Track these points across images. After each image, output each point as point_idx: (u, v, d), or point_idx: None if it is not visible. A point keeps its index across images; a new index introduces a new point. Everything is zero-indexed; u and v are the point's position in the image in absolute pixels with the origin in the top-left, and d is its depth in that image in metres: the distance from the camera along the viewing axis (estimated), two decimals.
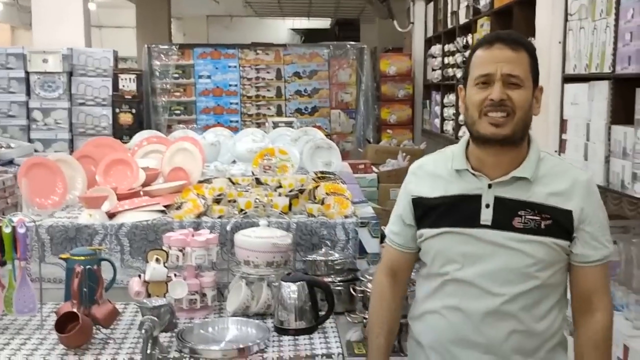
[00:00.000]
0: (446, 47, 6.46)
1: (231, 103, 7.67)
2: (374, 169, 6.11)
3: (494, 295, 1.76)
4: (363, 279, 2.44)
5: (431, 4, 7.31)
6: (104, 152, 3.40)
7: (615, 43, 2.97)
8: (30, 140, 7.08)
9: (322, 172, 3.64)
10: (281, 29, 16.50)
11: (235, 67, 7.64)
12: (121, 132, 7.28)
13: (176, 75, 7.65)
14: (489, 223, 1.78)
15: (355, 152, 7.34)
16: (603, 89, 3.07)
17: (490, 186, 1.79)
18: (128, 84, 7.31)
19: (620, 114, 2.98)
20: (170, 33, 11.70)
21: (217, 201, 2.90)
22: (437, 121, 6.89)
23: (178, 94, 7.67)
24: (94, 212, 2.78)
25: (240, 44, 7.83)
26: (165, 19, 11.40)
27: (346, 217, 2.86)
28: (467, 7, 5.53)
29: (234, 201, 2.94)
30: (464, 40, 5.70)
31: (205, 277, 2.56)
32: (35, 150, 6.88)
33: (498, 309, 1.76)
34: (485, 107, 1.74)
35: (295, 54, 7.61)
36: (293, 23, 16.33)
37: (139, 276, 2.46)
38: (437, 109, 6.90)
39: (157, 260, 2.41)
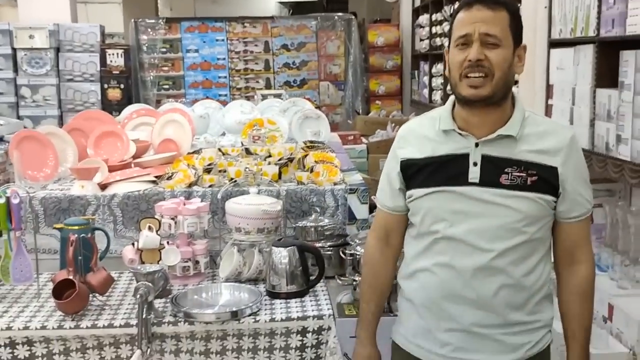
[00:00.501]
0: (434, 17, 6.46)
1: (219, 77, 7.66)
2: (364, 139, 6.15)
3: (483, 251, 1.81)
4: (352, 243, 2.49)
5: None
6: (93, 125, 3.41)
7: (599, 6, 2.99)
8: (19, 117, 7.06)
9: (311, 142, 3.68)
10: (269, 1, 16.36)
11: (223, 40, 7.62)
12: (110, 108, 7.26)
13: (164, 50, 7.62)
14: (477, 181, 1.82)
15: (345, 124, 7.36)
16: (588, 53, 3.10)
17: (477, 145, 1.83)
18: (116, 59, 7.28)
19: (604, 77, 3.01)
20: (157, 7, 11.61)
21: (208, 171, 2.93)
22: (426, 91, 6.91)
23: (166, 68, 7.65)
24: (86, 184, 2.81)
25: (227, 17, 7.78)
26: None
27: (335, 184, 2.90)
28: None
29: (224, 171, 2.97)
30: (451, 9, 5.70)
31: (197, 244, 2.60)
32: (25, 127, 6.86)
33: (488, 264, 1.80)
34: (465, 69, 1.77)
35: (283, 26, 7.59)
36: None
37: (133, 244, 2.50)
38: (426, 79, 6.92)
39: (150, 228, 2.45)
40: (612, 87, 2.93)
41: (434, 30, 6.46)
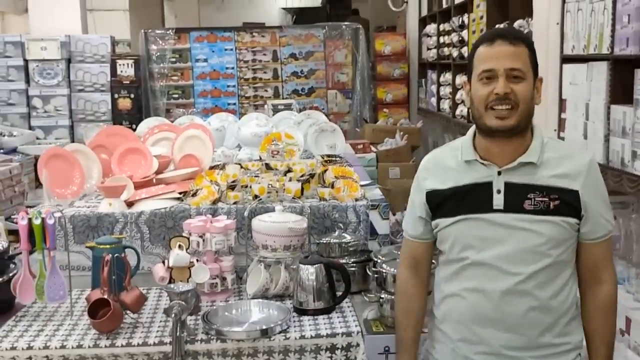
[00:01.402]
0: (441, 27, 6.52)
1: (228, 86, 7.72)
2: (372, 148, 6.21)
3: (510, 275, 1.88)
4: (376, 259, 2.55)
5: None
6: (116, 141, 3.48)
7: (613, 25, 3.05)
8: (30, 128, 7.14)
9: (328, 156, 3.74)
10: (272, 8, 16.45)
11: (231, 49, 7.68)
12: (120, 118, 7.36)
13: (173, 60, 7.68)
14: (502, 207, 1.90)
15: (353, 132, 7.42)
16: (601, 69, 3.17)
17: (499, 173, 1.92)
18: (126, 69, 7.36)
19: (618, 94, 3.08)
20: (164, 16, 11.68)
21: (232, 187, 2.99)
22: (434, 100, 6.98)
23: (176, 78, 7.71)
24: (114, 201, 2.87)
25: (236, 26, 7.84)
26: (158, 2, 11.37)
27: (356, 200, 2.96)
28: None
29: (246, 186, 3.04)
30: (460, 20, 5.77)
31: (224, 261, 2.67)
32: (37, 138, 6.94)
33: (515, 288, 1.88)
34: (491, 102, 1.86)
35: (291, 35, 7.65)
36: (285, 2, 16.28)
37: (163, 262, 2.56)
38: (434, 87, 6.98)
39: (180, 246, 2.51)
40: (626, 104, 3.00)
41: (441, 39, 6.53)
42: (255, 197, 2.93)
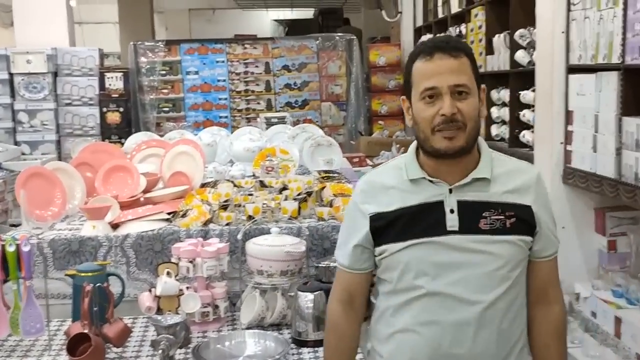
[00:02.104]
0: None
1: (220, 99, 7.56)
2: (369, 161, 6.05)
3: (470, 304, 1.70)
4: None
5: None
6: (101, 158, 3.30)
7: (624, 33, 2.90)
8: (16, 143, 6.94)
9: (325, 172, 3.57)
10: (264, 20, 16.32)
11: (223, 62, 7.52)
12: (109, 132, 7.18)
13: (163, 72, 7.52)
14: (456, 228, 1.73)
15: (347, 145, 7.26)
16: (612, 80, 3.01)
17: (450, 191, 1.75)
18: (115, 82, 7.19)
19: (630, 105, 2.92)
20: (154, 28, 11.53)
21: (224, 207, 2.81)
22: None
23: (166, 91, 7.54)
24: (97, 224, 2.69)
25: (227, 38, 7.69)
26: (148, 14, 11.22)
27: None
28: None
29: (239, 205, 2.86)
30: (457, 30, 5.63)
31: (216, 287, 2.48)
32: (23, 153, 6.74)
33: (476, 317, 1.70)
34: (437, 124, 1.69)
35: (284, 46, 7.50)
36: (276, 14, 16.17)
37: (150, 290, 2.37)
38: None
39: (168, 273, 2.33)
40: (639, 116, 2.84)
41: None
42: (250, 217, 2.75)
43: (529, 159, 4.00)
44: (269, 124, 5.57)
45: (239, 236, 2.55)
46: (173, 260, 2.46)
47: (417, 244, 1.74)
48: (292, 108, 7.51)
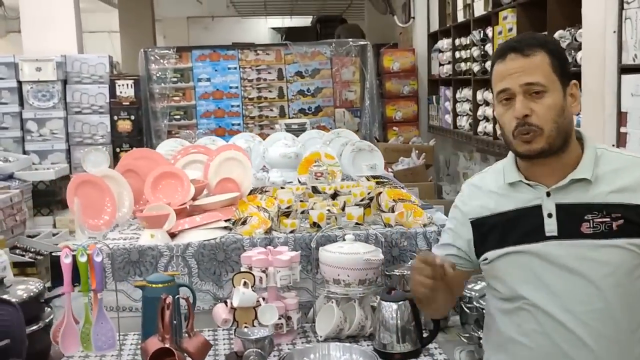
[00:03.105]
0: (457, 41, 6.30)
1: (232, 106, 7.42)
2: (389, 168, 5.95)
3: (575, 315, 1.60)
4: (467, 293, 2.26)
5: None
6: (145, 164, 3.18)
7: None
8: (25, 152, 6.76)
9: (374, 177, 3.46)
10: (262, 28, 16.24)
11: (235, 68, 7.39)
12: (120, 140, 7.02)
13: (174, 79, 7.37)
14: (555, 233, 1.63)
15: None
16: None
17: (548, 194, 1.65)
18: (125, 90, 7.03)
19: None
20: (155, 36, 11.39)
21: (286, 214, 2.70)
22: (448, 117, 6.74)
23: (177, 98, 7.39)
24: (156, 232, 2.56)
25: (239, 43, 7.57)
26: (149, 22, 11.09)
27: (424, 225, 2.68)
28: None
29: (301, 212, 2.75)
30: (481, 34, 5.54)
31: (288, 298, 2.36)
32: (33, 163, 6.58)
33: (589, 330, 1.59)
34: (514, 128, 1.63)
35: (297, 53, 7.39)
36: (275, 22, 16.09)
37: (225, 302, 2.25)
38: (448, 104, 6.74)
39: (245, 284, 2.20)
40: None
41: (457, 55, 6.30)
42: (314, 224, 2.63)
43: None
44: (289, 130, 5.46)
45: (313, 244, 2.43)
46: (243, 269, 2.34)
47: (515, 252, 1.66)
48: (306, 115, 7.38)
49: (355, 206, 2.72)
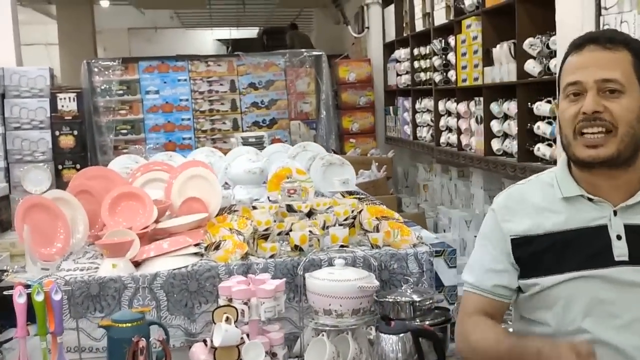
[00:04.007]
0: (415, 51, 6.17)
1: (183, 119, 7.12)
2: None
3: None
4: None
5: (389, 8, 7.02)
6: (100, 185, 2.88)
7: None
8: None
9: (349, 193, 3.25)
10: (207, 39, 15.91)
11: (185, 80, 7.09)
12: (62, 157, 6.63)
13: (120, 92, 7.04)
14: (626, 258, 1.44)
15: None
16: None
17: (615, 213, 1.47)
18: (67, 103, 6.64)
19: None
20: (96, 47, 10.96)
21: (264, 237, 2.45)
22: (407, 128, 6.60)
23: (123, 112, 7.05)
24: (118, 262, 2.27)
25: (189, 55, 7.28)
26: (90, 33, 10.66)
27: (414, 245, 2.47)
28: (447, 7, 5.25)
29: (277, 234, 2.51)
30: (442, 42, 5.42)
31: (272, 332, 2.11)
32: None
33: None
34: (579, 123, 1.43)
35: (250, 64, 7.14)
36: (221, 34, 15.79)
37: (204, 342, 1.98)
38: (407, 115, 6.60)
39: (228, 319, 1.94)
40: None
41: (416, 64, 6.17)
42: (296, 247, 2.39)
43: None
44: (246, 144, 5.23)
45: (300, 270, 2.18)
46: (221, 302, 2.08)
47: (579, 277, 1.45)
48: (260, 127, 7.15)
49: (339, 226, 2.50)
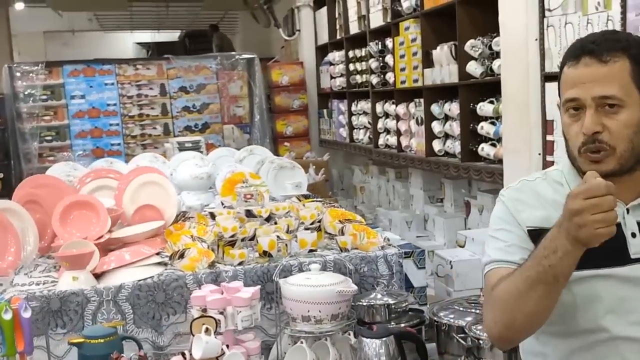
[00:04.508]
0: (350, 53, 6.18)
1: (111, 124, 6.88)
2: None
3: None
4: (455, 322, 2.05)
5: (321, 11, 7.02)
6: (46, 193, 2.73)
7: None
8: None
9: (304, 197, 3.21)
10: (126, 43, 15.49)
11: (112, 84, 6.86)
12: None
13: (44, 97, 6.73)
14: None
15: None
16: None
17: (628, 211, 1.47)
18: None
19: None
20: (12, 51, 10.49)
21: (231, 243, 2.37)
22: (343, 130, 6.60)
23: (48, 117, 6.75)
24: (79, 274, 2.15)
25: (117, 59, 7.05)
26: (5, 37, 10.20)
27: (382, 248, 2.45)
28: (384, 9, 5.28)
29: (241, 240, 2.44)
30: (379, 45, 5.45)
31: (247, 342, 2.05)
32: None
33: None
34: (581, 144, 1.42)
35: (180, 67, 6.98)
36: (141, 37, 15.41)
37: (183, 355, 1.89)
38: (342, 117, 6.61)
39: (207, 330, 1.86)
40: None
41: (351, 67, 6.19)
42: (265, 253, 2.33)
43: (495, 172, 3.87)
44: (182, 149, 5.09)
45: (275, 277, 2.12)
46: (194, 312, 2.00)
47: (596, 276, 1.43)
48: (192, 132, 6.99)
49: (307, 231, 2.45)
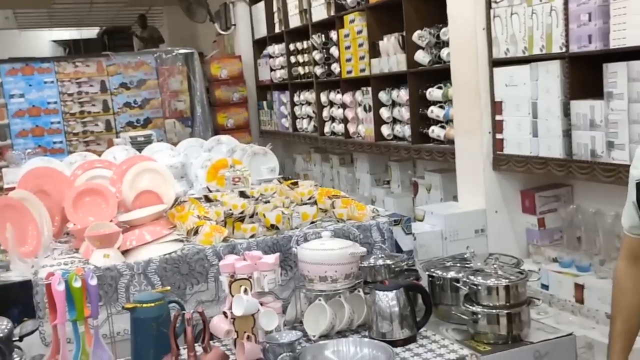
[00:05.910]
0: (292, 46, 6.42)
1: (52, 122, 6.87)
2: None
3: None
4: (436, 274, 2.37)
5: (258, 5, 7.22)
6: (50, 183, 2.87)
7: (566, 25, 3.19)
8: None
9: (284, 179, 3.45)
10: (42, 41, 15.12)
11: (52, 82, 6.84)
12: None
13: None
14: None
15: None
16: (553, 68, 3.29)
17: None
18: None
19: (576, 90, 3.22)
20: None
21: (241, 219, 2.60)
22: (285, 121, 6.85)
23: None
24: (109, 252, 2.33)
25: (56, 57, 7.02)
26: None
27: (373, 217, 2.74)
28: (328, 3, 5.55)
29: (250, 216, 2.67)
30: (322, 37, 5.72)
31: (270, 302, 2.29)
32: None
33: None
34: None
35: (120, 63, 7.04)
36: (59, 35, 15.07)
37: (224, 314, 2.11)
38: (283, 108, 6.86)
39: (246, 291, 2.10)
40: (587, 99, 3.14)
41: (293, 59, 6.43)
42: (272, 226, 2.57)
43: (446, 152, 4.22)
44: (135, 142, 5.23)
45: (292, 244, 2.37)
46: (222, 279, 2.22)
47: None
48: (134, 127, 7.07)
49: (305, 205, 2.71)
